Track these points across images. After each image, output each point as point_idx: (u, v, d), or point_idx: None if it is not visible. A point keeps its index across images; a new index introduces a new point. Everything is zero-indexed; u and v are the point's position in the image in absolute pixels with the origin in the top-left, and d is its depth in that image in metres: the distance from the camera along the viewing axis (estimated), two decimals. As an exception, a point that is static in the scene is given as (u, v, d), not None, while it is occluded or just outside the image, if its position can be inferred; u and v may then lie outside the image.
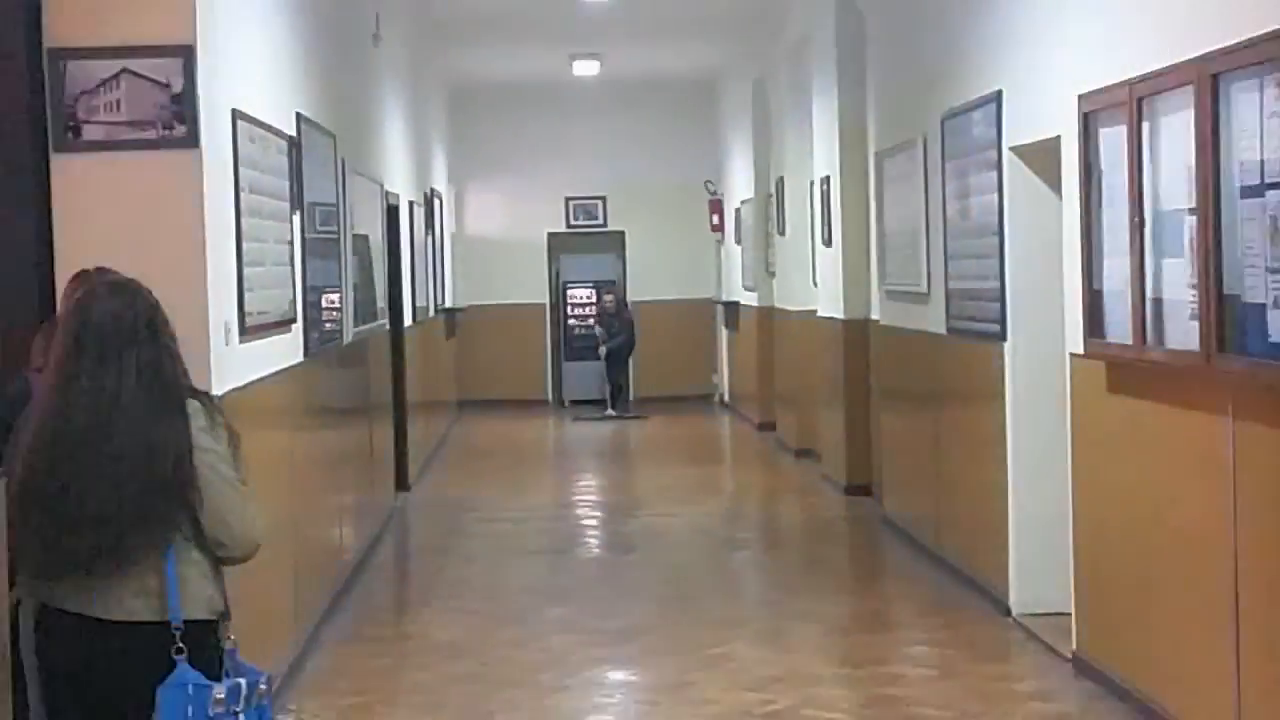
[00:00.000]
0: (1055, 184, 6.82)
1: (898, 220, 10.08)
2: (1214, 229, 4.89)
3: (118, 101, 5.37)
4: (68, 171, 5.29)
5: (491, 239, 19.22)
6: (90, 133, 5.35)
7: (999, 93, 7.36)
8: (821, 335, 12.67)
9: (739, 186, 17.23)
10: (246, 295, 5.97)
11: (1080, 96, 6.02)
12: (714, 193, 18.63)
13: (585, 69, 16.45)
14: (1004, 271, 7.38)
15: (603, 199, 19.21)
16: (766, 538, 11.05)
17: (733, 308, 17.62)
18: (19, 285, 4.64)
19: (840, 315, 11.88)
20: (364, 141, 10.64)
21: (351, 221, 9.42)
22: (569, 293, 19.69)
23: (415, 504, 12.17)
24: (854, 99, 11.42)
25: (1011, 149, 7.27)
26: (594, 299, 19.46)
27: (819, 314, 12.81)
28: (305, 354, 7.30)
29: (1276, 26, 4.35)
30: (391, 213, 12.03)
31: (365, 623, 7.85)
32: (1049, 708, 5.92)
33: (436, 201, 15.80)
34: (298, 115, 7.39)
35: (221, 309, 5.58)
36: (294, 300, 7.06)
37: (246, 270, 6.00)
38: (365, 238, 10.10)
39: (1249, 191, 4.67)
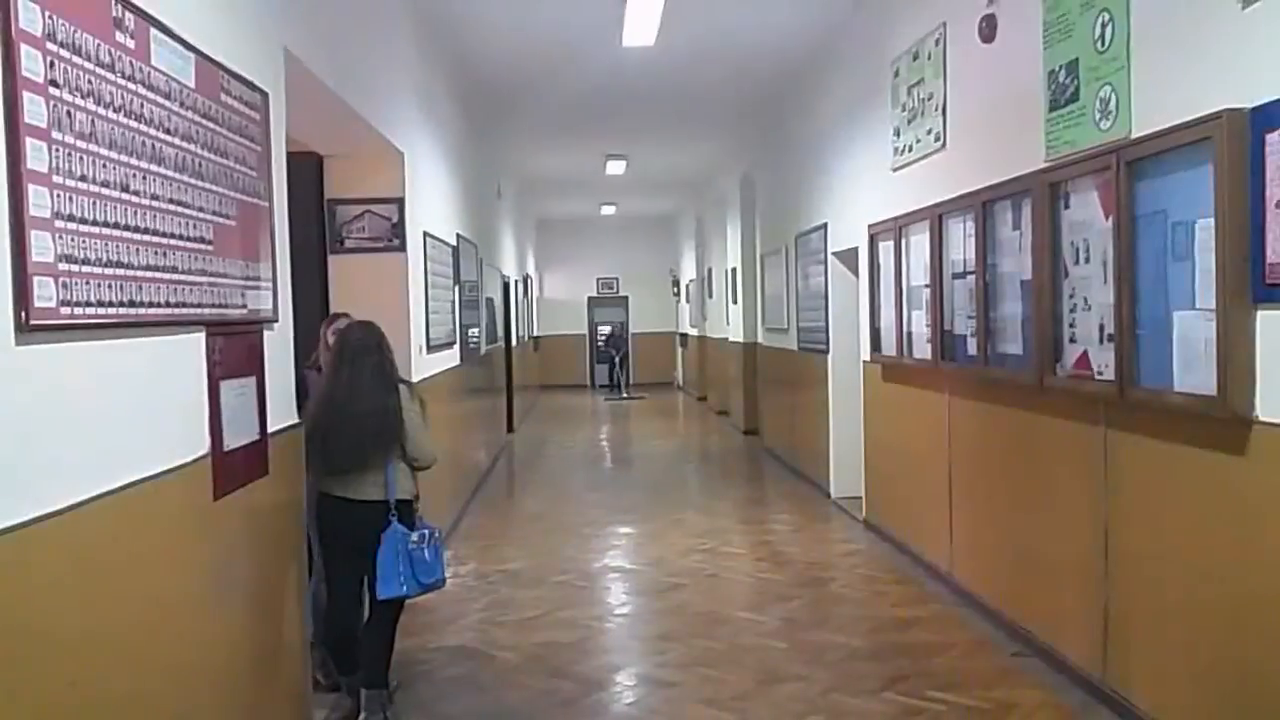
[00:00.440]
0: (855, 272, 7.55)
1: (772, 289, 11.12)
2: (939, 295, 5.53)
3: (364, 227, 6.06)
4: (337, 264, 5.97)
5: (557, 300, 22.27)
6: (349, 244, 6.03)
7: (826, 223, 8.42)
8: (731, 350, 14.16)
9: (688, 271, 20.11)
10: (430, 329, 6.75)
11: (869, 225, 6.81)
12: (674, 276, 22.07)
13: (607, 210, 19.50)
14: (828, 317, 8.33)
15: (617, 279, 22.54)
16: (701, 457, 12.11)
17: (684, 336, 20.87)
18: (311, 326, 4.54)
19: (741, 340, 13.26)
20: (493, 247, 11.85)
21: (484, 290, 10.48)
22: (597, 328, 22.82)
23: (517, 440, 13.55)
24: (749, 226, 12.76)
25: (833, 253, 8.17)
26: (609, 332, 22.28)
27: (729, 339, 14.33)
28: (461, 361, 8.23)
29: (968, 190, 5.05)
30: (506, 285, 13.42)
31: (490, 502, 8.92)
32: (851, 546, 6.76)
33: (529, 279, 18.70)
34: (457, 235, 8.44)
35: (418, 336, 6.31)
36: (453, 332, 7.94)
37: (430, 316, 6.77)
38: (491, 299, 11.25)
39: (957, 275, 5.37)
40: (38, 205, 2.05)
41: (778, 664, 4.58)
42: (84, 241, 2.22)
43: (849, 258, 7.91)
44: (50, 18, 2.11)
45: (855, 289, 7.65)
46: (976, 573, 5.31)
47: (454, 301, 8.06)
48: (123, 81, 2.42)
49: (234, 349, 3.13)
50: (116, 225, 2.37)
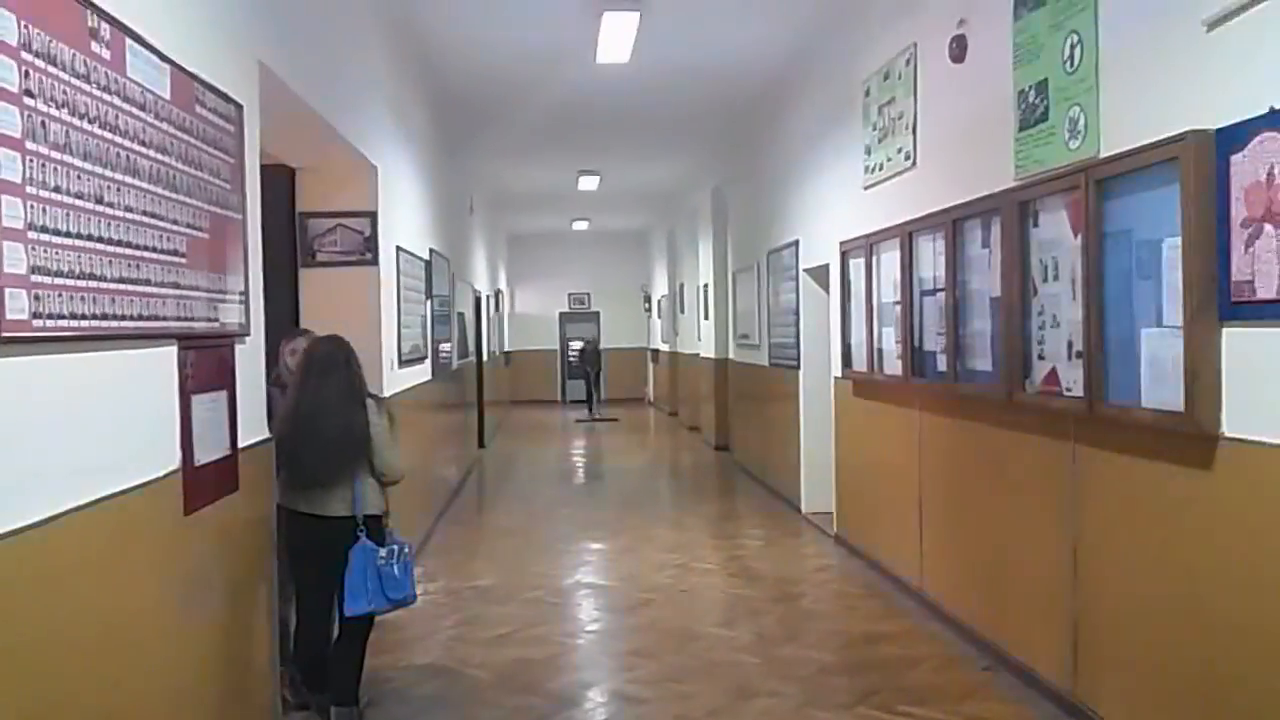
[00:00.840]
0: (826, 288, 7.61)
1: (743, 306, 11.19)
2: (909, 312, 5.58)
3: (336, 241, 5.96)
4: (309, 278, 5.89)
5: (529, 315, 22.20)
6: (321, 257, 5.94)
7: (797, 240, 8.48)
8: (702, 366, 14.19)
9: (660, 288, 20.14)
10: (402, 343, 6.68)
11: (841, 242, 6.85)
12: (646, 291, 22.21)
13: (580, 225, 19.48)
14: (799, 333, 8.36)
15: (588, 294, 22.46)
16: (672, 472, 12.17)
17: (655, 352, 20.83)
18: (281, 340, 4.44)
19: (713, 355, 13.28)
20: (465, 262, 11.78)
21: (456, 304, 10.40)
22: (569, 343, 22.64)
23: (488, 455, 13.46)
24: (720, 242, 12.82)
25: (804, 270, 8.23)
26: (581, 348, 21.72)
27: (700, 355, 14.36)
28: (432, 375, 8.15)
29: (938, 208, 5.10)
30: (477, 300, 13.38)
31: (461, 518, 8.83)
32: (822, 562, 6.76)
33: (501, 295, 18.67)
34: (430, 249, 8.38)
35: (390, 350, 6.26)
36: (425, 346, 7.82)
37: (402, 330, 6.70)
38: (463, 314, 11.16)
39: (927, 292, 5.41)
40: (10, 216, 2.02)
41: (750, 679, 4.58)
42: (57, 253, 2.19)
43: (820, 274, 7.95)
44: (26, 27, 2.08)
45: (826, 305, 7.68)
46: (947, 588, 5.34)
47: (426, 316, 8.01)
48: (98, 92, 2.40)
49: (205, 363, 3.10)
50: (90, 237, 2.34)
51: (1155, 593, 3.45)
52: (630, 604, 5.94)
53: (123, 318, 2.51)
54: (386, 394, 5.66)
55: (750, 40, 7.71)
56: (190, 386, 2.95)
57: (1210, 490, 3.13)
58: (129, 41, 2.58)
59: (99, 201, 2.39)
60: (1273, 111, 2.84)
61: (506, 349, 19.76)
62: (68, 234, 2.24)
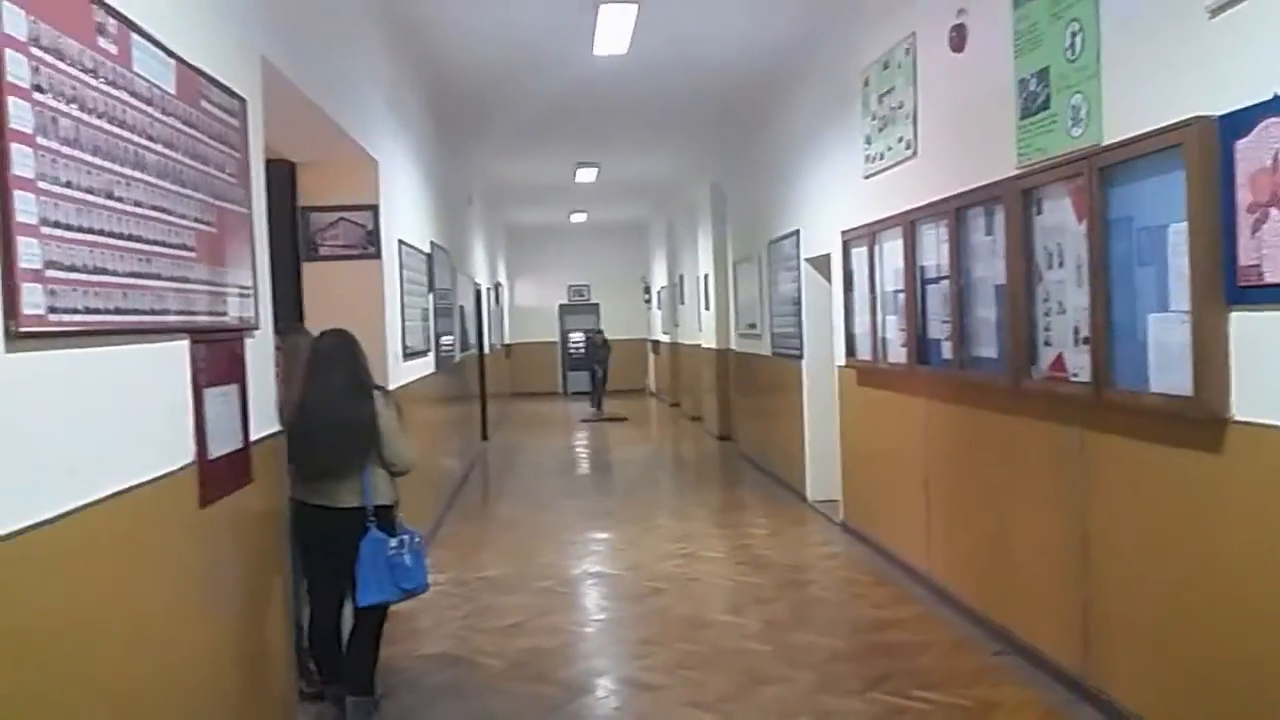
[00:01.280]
0: (828, 278, 7.59)
1: (745, 296, 11.18)
2: (913, 300, 5.56)
3: (338, 234, 5.91)
4: (312, 272, 5.83)
5: (529, 307, 22.15)
6: (323, 251, 5.89)
7: (798, 230, 8.47)
8: (704, 356, 14.16)
9: (659, 279, 20.06)
10: (406, 336, 6.63)
11: (842, 231, 6.84)
12: (645, 283, 22.15)
13: (578, 217, 19.36)
14: (801, 323, 8.37)
15: (588, 286, 22.41)
16: (676, 463, 12.11)
17: (656, 343, 20.75)
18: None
19: (714, 346, 13.23)
20: (465, 255, 11.76)
21: (458, 297, 10.39)
22: (570, 335, 22.79)
23: (492, 447, 13.48)
24: (720, 233, 12.80)
25: (806, 260, 8.23)
26: (584, 339, 21.95)
27: (702, 345, 14.33)
28: (436, 368, 8.12)
29: (941, 196, 5.08)
30: (478, 293, 13.36)
31: (467, 509, 8.88)
32: (829, 549, 6.78)
33: (501, 287, 18.63)
34: (431, 242, 8.35)
35: (394, 344, 6.22)
36: (428, 339, 7.77)
37: (405, 324, 6.64)
38: (463, 306, 11.13)
39: (930, 281, 5.40)
40: (24, 211, 2.01)
41: (761, 666, 4.58)
42: (70, 248, 2.18)
43: (822, 264, 7.93)
44: (34, 22, 2.07)
45: (828, 295, 7.66)
46: (955, 573, 5.33)
47: (428, 309, 7.99)
48: (105, 87, 2.38)
49: (217, 356, 3.09)
50: (101, 232, 2.33)
51: (1165, 576, 3.45)
52: (639, 593, 5.94)
53: (135, 312, 2.50)
54: (392, 387, 5.62)
55: (749, 31, 7.68)
56: (202, 380, 2.94)
57: (1220, 473, 3.13)
58: (134, 37, 2.56)
59: (109, 196, 2.38)
60: (1277, 97, 2.83)
61: (507, 341, 19.73)
62: (80, 229, 2.23)
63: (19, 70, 2.01)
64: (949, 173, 5.15)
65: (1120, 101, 3.63)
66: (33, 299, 2.02)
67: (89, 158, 2.28)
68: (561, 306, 22.96)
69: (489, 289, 15.50)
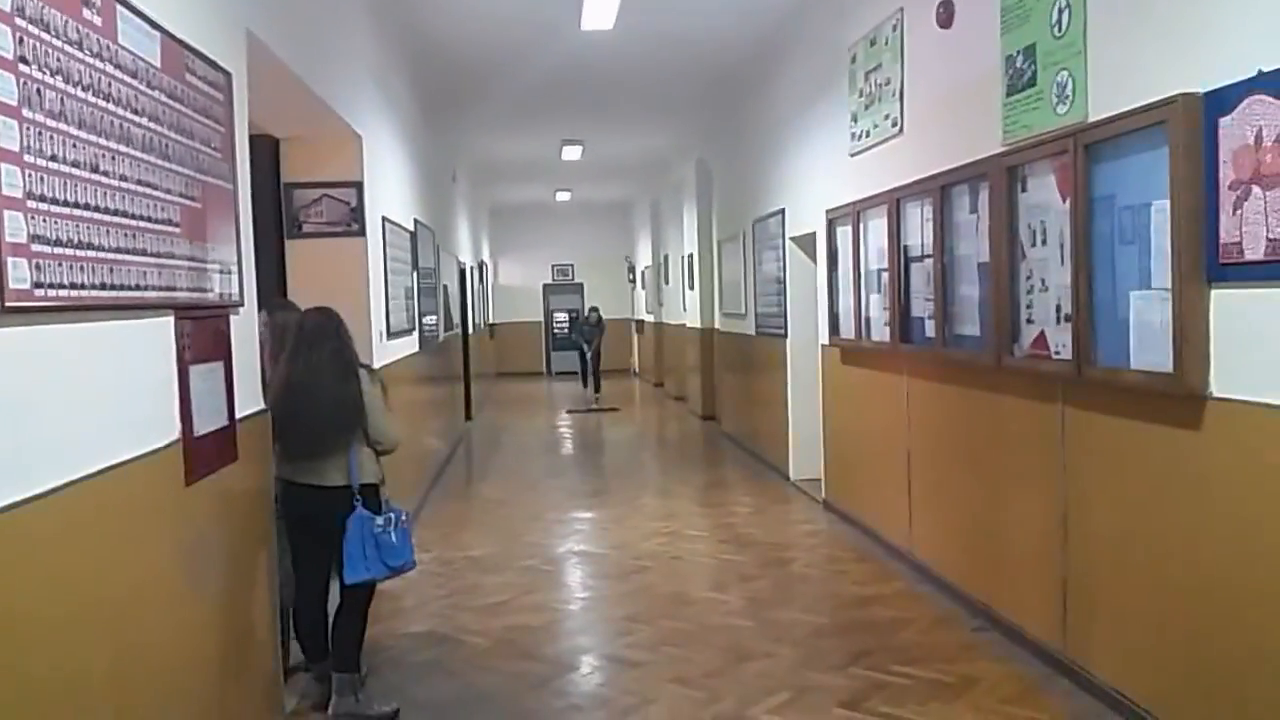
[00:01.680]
0: (812, 257, 7.65)
1: (729, 275, 11.20)
2: (897, 279, 5.60)
3: (321, 211, 5.92)
4: (295, 249, 5.85)
5: (513, 286, 22.09)
6: (307, 228, 5.90)
7: (783, 209, 8.49)
8: (688, 336, 14.20)
9: (643, 258, 20.08)
10: (389, 315, 6.65)
11: (827, 210, 6.87)
12: (629, 262, 21.93)
13: (563, 196, 19.24)
14: (786, 302, 8.41)
15: (572, 265, 22.37)
16: (661, 443, 12.16)
17: (640, 323, 20.75)
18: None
19: (698, 325, 13.25)
20: (449, 233, 11.72)
21: (441, 276, 10.35)
22: (554, 315, 22.78)
23: (475, 427, 13.50)
24: (705, 212, 12.76)
25: (790, 239, 8.27)
26: (567, 320, 21.86)
27: (686, 325, 14.35)
28: (419, 348, 8.15)
29: (926, 174, 5.12)
30: (462, 272, 13.32)
31: (451, 488, 8.90)
32: (811, 527, 6.85)
33: (485, 266, 18.53)
34: (415, 220, 8.33)
35: (378, 322, 6.24)
36: (412, 318, 7.87)
37: (389, 302, 6.66)
38: (447, 286, 11.10)
39: (914, 259, 5.45)
40: (10, 184, 2.01)
41: (745, 642, 4.63)
42: (55, 222, 2.18)
43: (807, 243, 7.96)
44: (19, -7, 2.06)
45: (813, 273, 7.68)
46: (936, 550, 5.40)
47: (412, 287, 7.97)
48: (91, 59, 2.37)
49: (202, 333, 3.09)
50: (87, 206, 2.33)
51: (1144, 551, 3.51)
52: (623, 571, 5.98)
53: (121, 287, 2.49)
54: (375, 366, 5.63)
55: (735, 6, 7.66)
56: (188, 357, 2.94)
57: (1198, 449, 3.19)
58: (120, 8, 2.55)
59: (94, 170, 2.37)
60: (1260, 74, 2.87)
61: (491, 321, 19.71)
62: (65, 203, 2.23)
63: (4, 41, 2.00)
64: (935, 150, 5.18)
65: (1106, 78, 3.66)
66: (18, 273, 2.02)
67: (75, 131, 2.28)
68: (546, 286, 22.97)
69: (473, 268, 15.44)
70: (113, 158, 2.47)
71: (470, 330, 14.19)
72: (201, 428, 3.02)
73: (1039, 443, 4.20)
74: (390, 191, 7.28)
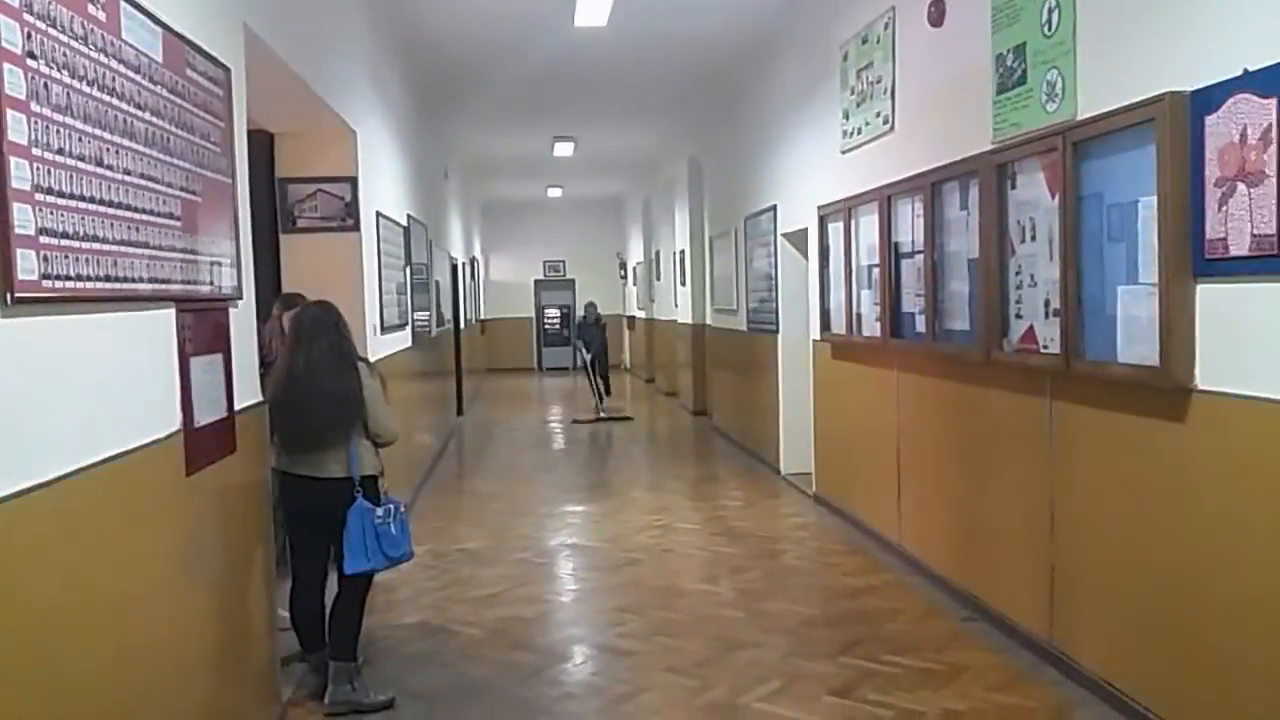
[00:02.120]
0: (804, 253, 7.73)
1: (721, 271, 11.25)
2: (888, 275, 5.65)
3: (316, 206, 5.94)
4: (290, 244, 5.87)
5: (505, 282, 22.05)
6: (302, 223, 5.91)
7: (775, 205, 8.55)
8: (680, 331, 14.20)
9: (635, 254, 20.08)
10: (383, 310, 6.68)
11: (819, 206, 6.91)
12: (621, 259, 21.92)
13: (554, 192, 19.30)
14: (777, 298, 8.50)
15: (563, 261, 22.28)
16: (652, 438, 12.10)
17: (631, 319, 20.87)
18: (264, 303, 4.37)
19: (690, 321, 13.28)
20: (441, 229, 11.67)
21: (434, 272, 10.34)
22: (545, 311, 22.83)
23: (467, 422, 13.52)
24: (697, 208, 12.83)
25: (783, 235, 8.34)
26: (559, 316, 22.08)
27: (677, 321, 14.35)
28: (412, 342, 8.19)
29: (917, 171, 5.16)
30: (454, 268, 13.28)
31: (443, 483, 8.92)
32: (802, 520, 6.91)
33: (477, 262, 18.49)
34: (408, 215, 8.34)
35: (372, 317, 6.25)
36: (406, 313, 7.89)
37: (383, 297, 6.80)
38: (439, 281, 11.09)
39: (905, 255, 5.50)
40: (19, 178, 2.02)
41: (736, 632, 4.68)
42: (62, 215, 2.20)
43: (798, 239, 7.99)
44: (26, -12, 2.08)
45: (804, 270, 7.71)
46: (925, 542, 5.45)
47: (405, 283, 7.98)
48: (95, 54, 2.39)
49: (202, 326, 3.11)
50: (92, 199, 2.35)
51: (1130, 542, 3.57)
52: (615, 564, 6.01)
53: (125, 280, 2.51)
54: (371, 360, 5.67)
55: (728, 4, 7.69)
56: (189, 349, 2.96)
57: (1184, 441, 3.24)
58: (123, 4, 2.56)
59: (99, 164, 2.39)
60: (1246, 73, 2.92)
61: (482, 317, 19.68)
62: (72, 196, 2.24)
63: (12, 36, 2.02)
64: (926, 148, 5.22)
65: (1095, 77, 3.71)
66: (27, 265, 2.04)
67: (80, 125, 2.30)
68: (537, 282, 22.93)
69: (464, 264, 15.43)
70: (116, 152, 2.49)
71: (462, 326, 14.18)
72: (201, 419, 3.04)
73: (1027, 436, 4.25)
74: (384, 187, 7.29)
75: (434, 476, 9.18)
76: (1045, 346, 4.05)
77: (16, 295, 2.00)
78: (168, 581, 2.76)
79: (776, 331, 8.52)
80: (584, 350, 14.33)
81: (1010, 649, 4.31)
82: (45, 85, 2.15)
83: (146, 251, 2.66)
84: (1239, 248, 2.96)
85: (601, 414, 13.32)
